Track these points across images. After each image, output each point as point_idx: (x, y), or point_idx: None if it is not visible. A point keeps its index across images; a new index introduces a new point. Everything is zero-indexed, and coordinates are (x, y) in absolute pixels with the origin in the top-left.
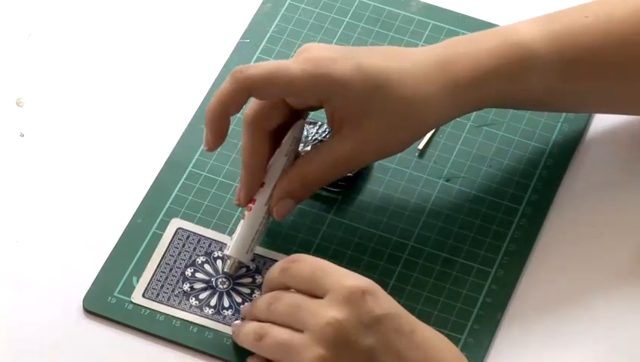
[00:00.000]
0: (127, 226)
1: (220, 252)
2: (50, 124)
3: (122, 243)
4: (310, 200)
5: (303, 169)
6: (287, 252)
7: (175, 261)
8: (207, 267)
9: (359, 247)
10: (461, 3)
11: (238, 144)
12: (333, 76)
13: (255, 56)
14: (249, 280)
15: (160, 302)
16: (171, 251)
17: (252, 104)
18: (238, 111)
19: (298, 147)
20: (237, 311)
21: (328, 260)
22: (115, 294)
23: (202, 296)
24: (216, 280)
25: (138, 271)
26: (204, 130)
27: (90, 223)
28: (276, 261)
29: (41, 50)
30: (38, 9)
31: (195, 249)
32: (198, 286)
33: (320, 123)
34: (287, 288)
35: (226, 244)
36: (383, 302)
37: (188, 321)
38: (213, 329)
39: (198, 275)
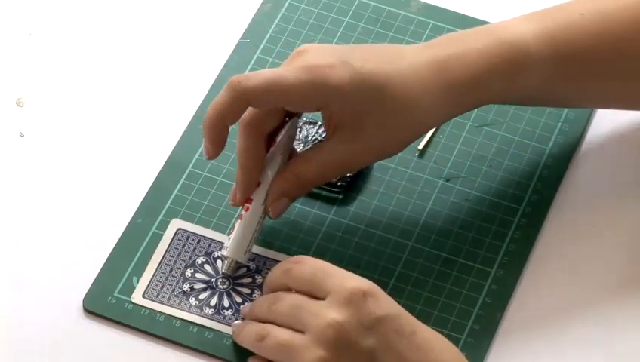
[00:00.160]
0: (127, 226)
1: (219, 252)
2: (50, 124)
3: (122, 243)
4: (310, 200)
5: (299, 168)
6: (287, 252)
7: (175, 261)
8: (207, 267)
9: (359, 247)
10: (461, 3)
11: None
12: (330, 84)
13: (255, 56)
14: (249, 280)
15: (160, 302)
16: (171, 251)
17: (248, 109)
18: (235, 122)
19: (292, 144)
20: (237, 311)
21: (328, 260)
22: (115, 294)
23: (202, 296)
24: (216, 280)
25: (138, 272)
26: (203, 140)
27: (90, 223)
28: (276, 261)
29: (41, 50)
30: (38, 9)
31: (195, 249)
32: (198, 286)
33: (320, 123)
34: (288, 289)
35: (224, 244)
36: (384, 304)
37: (188, 321)
38: (213, 329)
39: (198, 275)
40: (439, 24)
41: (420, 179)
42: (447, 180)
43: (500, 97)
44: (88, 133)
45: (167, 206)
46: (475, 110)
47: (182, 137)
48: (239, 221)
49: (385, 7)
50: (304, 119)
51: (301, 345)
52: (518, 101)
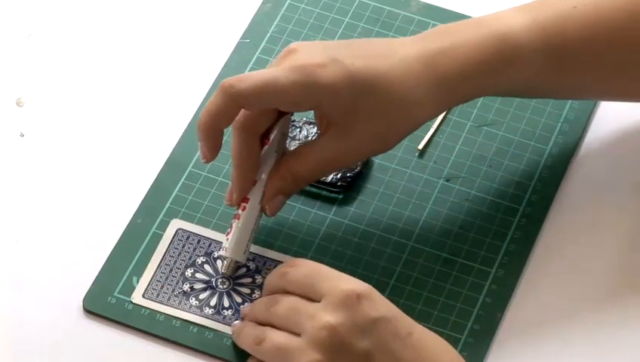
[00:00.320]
0: (127, 226)
1: (218, 252)
2: (50, 124)
3: (122, 243)
4: (310, 200)
5: (294, 166)
6: (287, 252)
7: (175, 261)
8: (207, 267)
9: (359, 247)
10: (461, 3)
11: None
12: (322, 83)
13: (255, 56)
14: (249, 280)
15: (160, 302)
16: (171, 251)
17: (241, 110)
18: (229, 125)
19: (286, 141)
20: (237, 311)
21: (328, 260)
22: (115, 294)
23: (202, 296)
24: (216, 280)
25: (138, 272)
26: (199, 144)
27: (90, 223)
28: (276, 261)
29: (41, 50)
30: (38, 9)
31: (195, 249)
32: (198, 286)
33: None
34: (286, 292)
35: (222, 245)
36: (380, 306)
37: (188, 321)
38: (213, 329)
39: (198, 275)
40: (439, 24)
41: (420, 179)
42: (447, 180)
43: (492, 89)
44: (88, 133)
45: (167, 206)
46: (475, 110)
47: (182, 137)
48: (236, 221)
49: (385, 7)
50: (304, 119)
51: (296, 348)
52: (510, 93)
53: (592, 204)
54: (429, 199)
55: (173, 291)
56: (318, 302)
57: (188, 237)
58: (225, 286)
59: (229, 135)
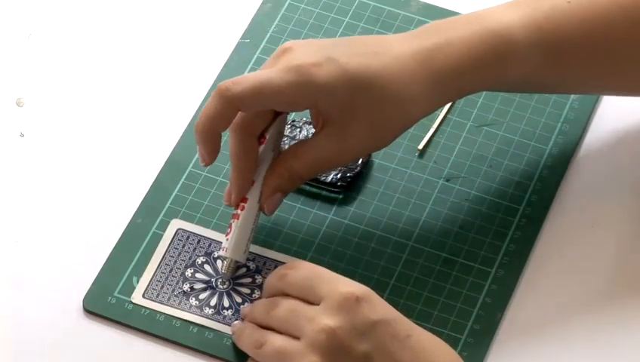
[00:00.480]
0: (127, 226)
1: (217, 253)
2: (50, 124)
3: (122, 243)
4: (310, 200)
5: (291, 164)
6: (287, 252)
7: (175, 261)
8: (207, 267)
9: (359, 247)
10: (461, 3)
11: None
12: (317, 83)
13: (255, 56)
14: (249, 280)
15: (160, 302)
16: (171, 251)
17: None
18: (227, 128)
19: (282, 139)
20: (237, 311)
21: (328, 260)
22: (115, 294)
23: (202, 296)
24: (216, 280)
25: (138, 272)
26: (198, 148)
27: (90, 223)
28: (276, 261)
29: (41, 50)
30: (38, 9)
31: (195, 249)
32: (198, 286)
33: None
34: (285, 294)
35: (222, 245)
36: (379, 308)
37: (188, 321)
38: (213, 329)
39: (198, 275)
40: None
41: (420, 179)
42: (447, 180)
43: (487, 85)
44: (88, 133)
45: (167, 206)
46: (475, 110)
47: (182, 137)
48: (235, 221)
49: (385, 7)
50: (304, 119)
51: (296, 352)
52: (506, 88)
53: (592, 204)
54: (429, 199)
55: (173, 291)
56: (318, 304)
57: (188, 237)
58: (225, 286)
59: (229, 135)
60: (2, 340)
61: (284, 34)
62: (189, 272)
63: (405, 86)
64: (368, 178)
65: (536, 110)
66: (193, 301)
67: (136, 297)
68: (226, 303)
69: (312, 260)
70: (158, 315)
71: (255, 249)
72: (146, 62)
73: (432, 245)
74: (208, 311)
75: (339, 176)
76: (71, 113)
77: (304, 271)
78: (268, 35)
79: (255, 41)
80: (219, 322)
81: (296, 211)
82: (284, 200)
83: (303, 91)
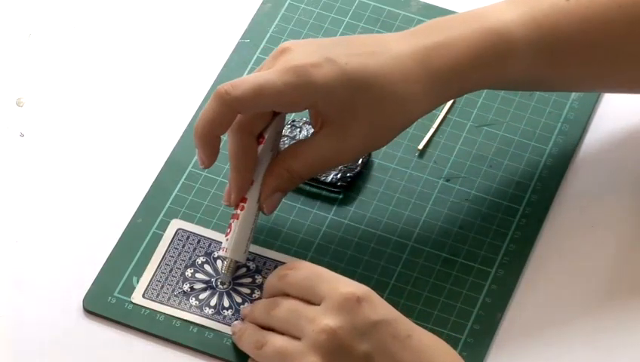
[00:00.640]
0: (127, 226)
1: (217, 253)
2: (50, 124)
3: (122, 243)
4: (310, 200)
5: (290, 163)
6: (287, 252)
7: (175, 261)
8: (207, 267)
9: (359, 247)
10: (461, 3)
11: None
12: (317, 84)
13: (255, 56)
14: (249, 280)
15: (160, 302)
16: (171, 251)
17: None
18: (226, 131)
19: (281, 139)
20: (237, 311)
21: (328, 260)
22: (115, 294)
23: (202, 296)
24: (216, 280)
25: (138, 271)
26: (197, 151)
27: (90, 223)
28: (276, 261)
29: (41, 50)
30: (38, 9)
31: (195, 249)
32: (198, 286)
33: None
34: (286, 294)
35: (222, 245)
36: (379, 308)
37: (188, 321)
38: (213, 329)
39: (198, 275)
40: None
41: (420, 179)
42: (447, 180)
43: (487, 84)
44: (88, 133)
45: (167, 206)
46: (475, 110)
47: (182, 137)
48: (235, 221)
49: (385, 7)
50: (304, 119)
51: (297, 352)
52: (505, 87)
53: (592, 204)
54: (429, 199)
55: (173, 291)
56: (318, 305)
57: (188, 237)
58: (225, 286)
59: (228, 135)
60: (2, 340)
61: (284, 34)
62: (189, 272)
63: (404, 85)
64: (368, 178)
65: (536, 110)
66: (193, 301)
67: (136, 297)
68: (226, 303)
69: (312, 260)
70: (158, 315)
71: (255, 249)
72: (146, 62)
73: (432, 245)
74: (208, 311)
75: (339, 176)
76: (71, 113)
77: (304, 271)
78: (268, 35)
79: (255, 41)
80: (219, 322)
81: (296, 211)
82: (284, 200)
83: (302, 92)
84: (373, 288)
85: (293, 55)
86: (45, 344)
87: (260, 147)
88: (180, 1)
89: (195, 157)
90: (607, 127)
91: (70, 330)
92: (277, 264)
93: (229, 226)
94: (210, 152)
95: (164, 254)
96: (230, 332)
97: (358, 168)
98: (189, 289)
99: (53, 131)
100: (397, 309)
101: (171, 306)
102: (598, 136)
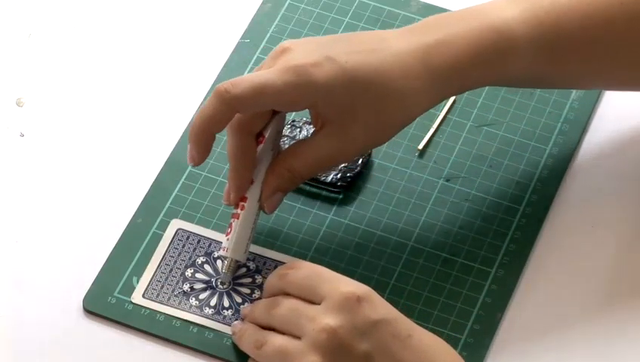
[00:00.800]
0: (127, 226)
1: (217, 252)
2: (50, 124)
3: (122, 243)
4: (310, 200)
5: (291, 163)
6: (287, 252)
7: (175, 261)
8: (207, 267)
9: (359, 247)
10: (461, 3)
11: None
12: (317, 83)
13: (255, 56)
14: (249, 280)
15: (160, 302)
16: (171, 251)
17: None
18: (222, 129)
19: (280, 138)
20: (237, 311)
21: (328, 260)
22: (115, 294)
23: (202, 296)
24: (216, 280)
25: (138, 272)
26: (189, 147)
27: (90, 223)
28: (276, 261)
29: (41, 50)
30: (38, 9)
31: (195, 249)
32: (198, 286)
33: None
34: (286, 294)
35: (222, 245)
36: (380, 308)
37: (188, 321)
38: (213, 329)
39: (198, 275)
40: None
41: (420, 179)
42: (447, 180)
43: (488, 81)
44: (88, 133)
45: (167, 206)
46: (475, 110)
47: (182, 137)
48: (235, 220)
49: (385, 7)
50: (304, 119)
51: (297, 351)
52: (506, 84)
53: (592, 204)
54: (429, 199)
55: (173, 291)
56: (318, 304)
57: (188, 237)
58: (225, 286)
59: (227, 134)
60: (2, 340)
61: (284, 34)
62: (189, 272)
63: (404, 82)
64: (368, 178)
65: (536, 110)
66: (193, 301)
67: (136, 297)
68: (226, 303)
69: (312, 260)
70: (158, 315)
71: (255, 249)
72: (146, 62)
73: (432, 245)
74: (208, 311)
75: (339, 176)
76: (71, 113)
77: (305, 270)
78: (268, 35)
79: (255, 41)
80: (219, 322)
81: (296, 211)
82: (284, 200)
83: (303, 91)
84: (374, 288)
85: (293, 54)
86: (45, 344)
87: (260, 146)
88: (180, 2)
89: None
90: (607, 127)
91: (70, 330)
92: (277, 264)
93: (230, 226)
94: (203, 150)
95: (164, 254)
96: (230, 332)
97: (358, 168)
98: (189, 289)
99: (53, 131)
100: (397, 309)
101: (171, 306)
102: (598, 136)
